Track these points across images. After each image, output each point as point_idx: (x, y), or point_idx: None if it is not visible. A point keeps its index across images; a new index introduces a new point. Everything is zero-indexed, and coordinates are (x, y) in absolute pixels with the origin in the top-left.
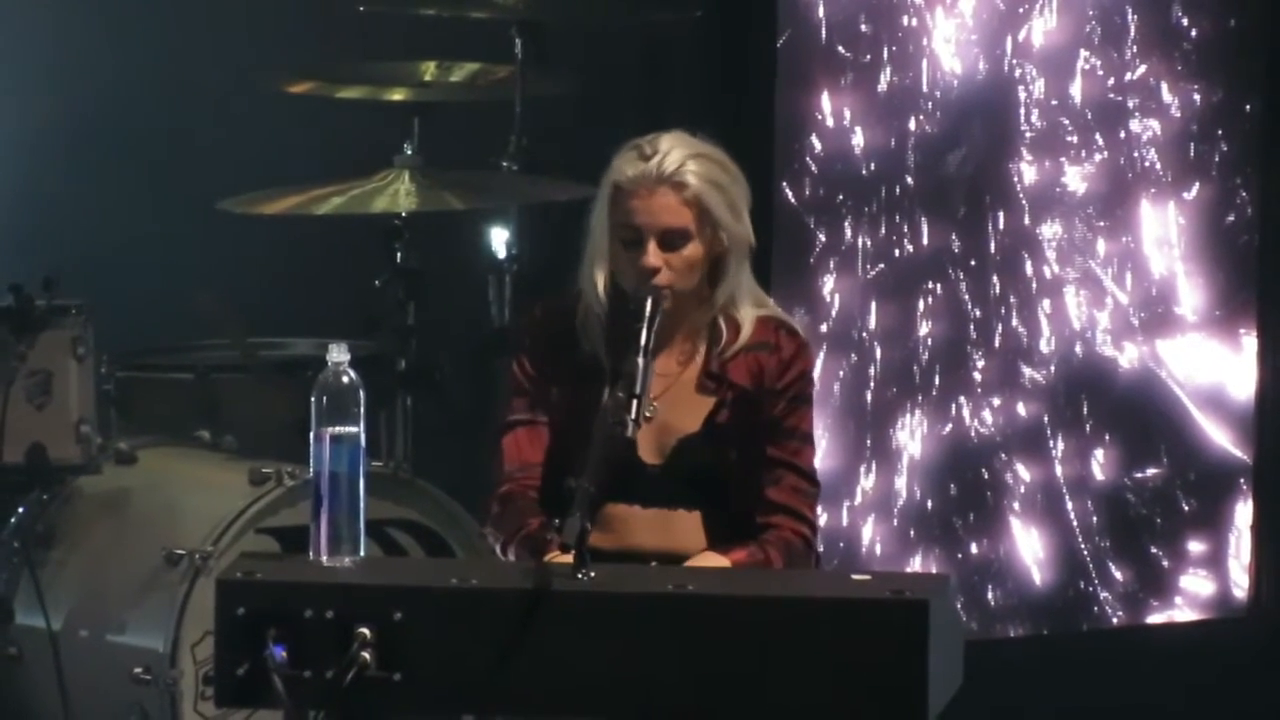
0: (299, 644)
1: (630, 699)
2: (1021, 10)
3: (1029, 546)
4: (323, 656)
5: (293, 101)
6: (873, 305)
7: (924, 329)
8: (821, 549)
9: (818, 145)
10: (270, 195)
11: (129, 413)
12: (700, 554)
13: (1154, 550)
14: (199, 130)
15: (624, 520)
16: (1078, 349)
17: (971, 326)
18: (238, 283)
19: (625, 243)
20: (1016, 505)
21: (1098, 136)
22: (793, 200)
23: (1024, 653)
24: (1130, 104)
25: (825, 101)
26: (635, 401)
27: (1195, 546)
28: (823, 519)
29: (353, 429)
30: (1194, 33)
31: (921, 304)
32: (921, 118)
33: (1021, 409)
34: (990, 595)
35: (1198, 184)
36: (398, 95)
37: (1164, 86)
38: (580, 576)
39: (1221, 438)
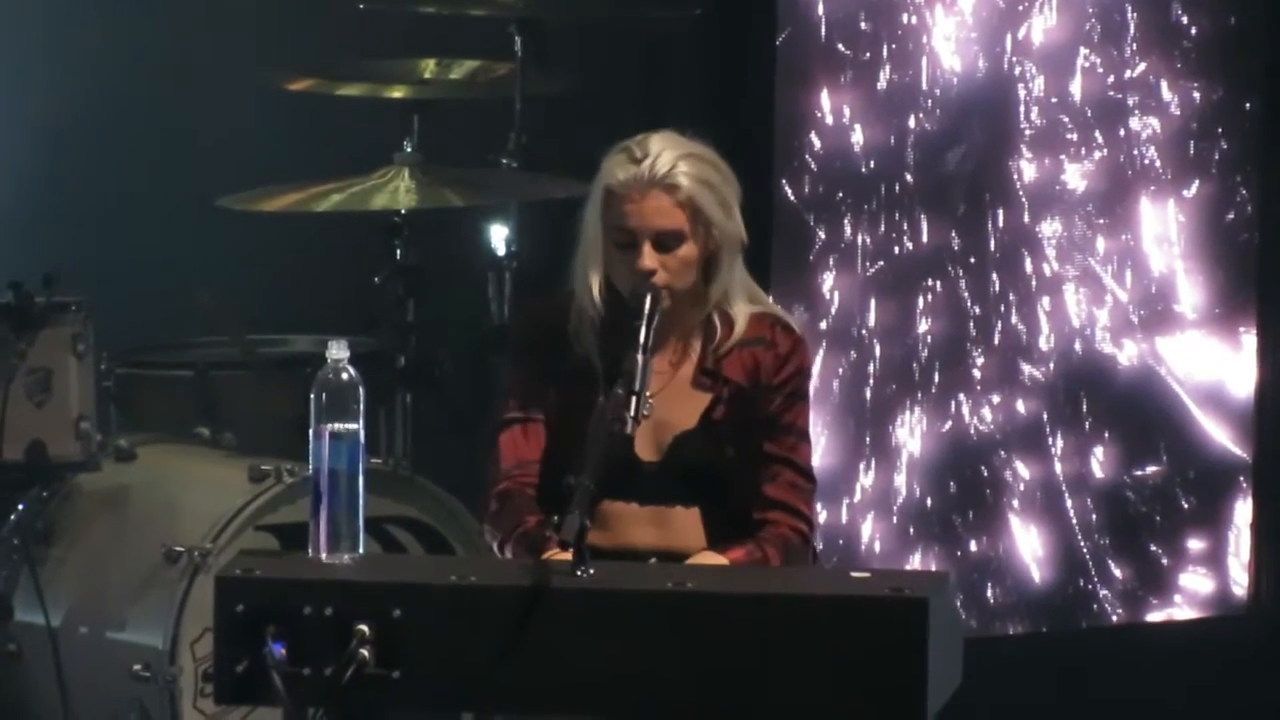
0: (298, 641)
1: (629, 696)
2: (1021, 8)
3: (1028, 544)
4: (322, 654)
5: (292, 99)
6: (872, 303)
7: (923, 326)
8: (820, 546)
9: (817, 143)
10: (270, 192)
11: (129, 410)
12: (698, 554)
13: (1153, 548)
14: (199, 128)
15: (621, 518)
16: (1077, 346)
17: (971, 324)
18: (237, 280)
19: (619, 245)
20: (1016, 503)
21: (1097, 134)
22: (792, 198)
23: (1023, 650)
24: (1130, 102)
25: (825, 99)
26: (635, 399)
27: (1195, 544)
28: (822, 516)
29: (352, 426)
30: (1194, 31)
31: (921, 301)
32: (921, 115)
33: (1021, 406)
34: (990, 593)
35: (1197, 182)
36: (398, 93)
37: (1164, 84)
38: (579, 574)
39: (1221, 435)
